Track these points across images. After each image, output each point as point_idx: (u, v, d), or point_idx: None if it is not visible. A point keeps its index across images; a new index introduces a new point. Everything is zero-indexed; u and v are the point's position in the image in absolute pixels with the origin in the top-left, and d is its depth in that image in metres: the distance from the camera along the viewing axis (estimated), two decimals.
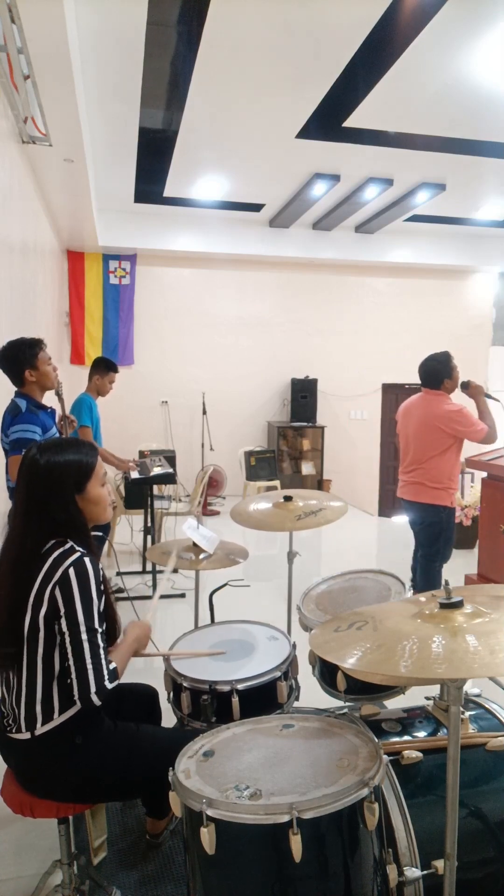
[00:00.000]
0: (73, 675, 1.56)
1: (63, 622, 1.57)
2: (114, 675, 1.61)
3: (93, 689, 1.55)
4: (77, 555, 1.62)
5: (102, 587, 1.67)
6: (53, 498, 1.66)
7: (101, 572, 1.69)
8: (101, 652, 1.59)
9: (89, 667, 1.56)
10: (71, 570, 1.59)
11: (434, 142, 5.07)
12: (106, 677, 1.58)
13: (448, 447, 3.65)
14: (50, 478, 1.66)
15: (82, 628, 1.56)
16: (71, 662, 1.57)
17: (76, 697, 1.57)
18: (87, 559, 1.63)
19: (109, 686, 1.58)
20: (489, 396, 3.77)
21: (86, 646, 1.56)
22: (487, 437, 3.59)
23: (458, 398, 3.77)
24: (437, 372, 3.72)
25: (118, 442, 4.78)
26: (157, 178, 6.12)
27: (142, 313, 8.06)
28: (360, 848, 1.36)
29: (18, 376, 3.01)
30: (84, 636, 1.56)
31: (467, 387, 3.79)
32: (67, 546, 1.64)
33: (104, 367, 4.63)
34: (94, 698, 1.55)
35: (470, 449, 4.61)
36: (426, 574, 3.73)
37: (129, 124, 4.79)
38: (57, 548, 1.63)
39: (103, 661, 1.58)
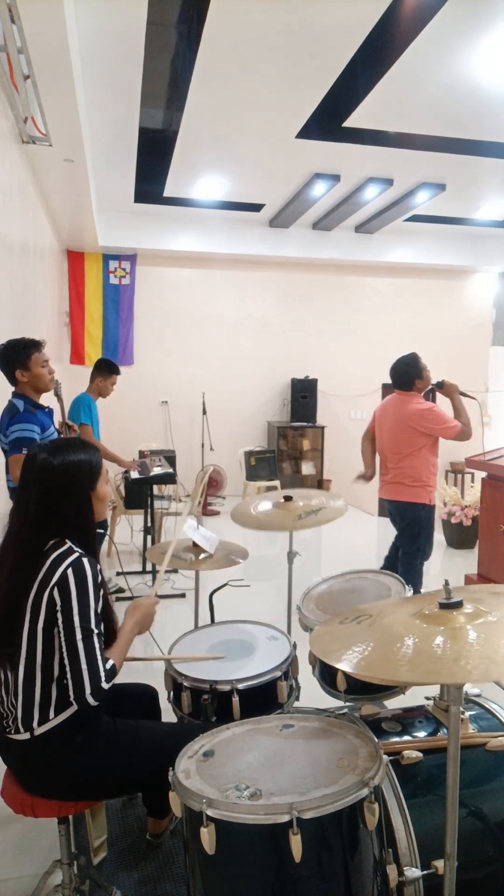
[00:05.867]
0: (69, 676, 1.56)
1: (60, 622, 1.57)
2: (111, 673, 1.60)
3: (87, 689, 1.55)
4: (75, 555, 1.62)
5: (101, 588, 1.67)
6: (68, 497, 1.67)
7: (100, 573, 1.69)
8: (97, 652, 1.58)
9: (84, 668, 1.55)
10: (69, 571, 1.59)
11: (434, 142, 5.07)
12: (102, 677, 1.56)
13: (422, 446, 3.73)
14: (67, 477, 1.67)
15: (77, 629, 1.56)
16: (66, 663, 1.56)
17: (72, 698, 1.57)
18: (85, 560, 1.63)
19: (105, 686, 1.57)
20: (464, 394, 3.80)
21: (80, 647, 1.56)
22: (461, 435, 3.63)
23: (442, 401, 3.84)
24: (408, 374, 3.84)
25: (118, 442, 4.79)
26: (157, 178, 6.12)
27: (142, 313, 8.05)
28: (360, 848, 1.36)
29: (10, 376, 3.04)
30: (79, 637, 1.56)
31: (442, 386, 3.84)
32: (66, 547, 1.64)
33: (107, 370, 4.67)
34: (90, 699, 1.55)
35: (473, 449, 4.59)
36: (408, 572, 3.77)
37: (129, 124, 4.79)
38: (55, 548, 1.63)
39: (99, 662, 1.57)
